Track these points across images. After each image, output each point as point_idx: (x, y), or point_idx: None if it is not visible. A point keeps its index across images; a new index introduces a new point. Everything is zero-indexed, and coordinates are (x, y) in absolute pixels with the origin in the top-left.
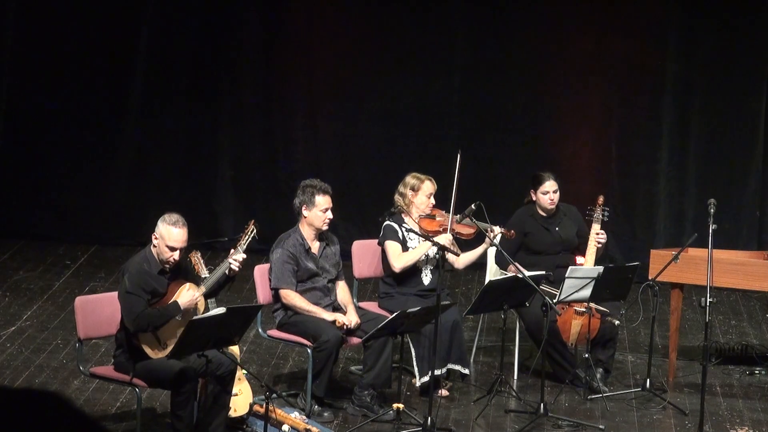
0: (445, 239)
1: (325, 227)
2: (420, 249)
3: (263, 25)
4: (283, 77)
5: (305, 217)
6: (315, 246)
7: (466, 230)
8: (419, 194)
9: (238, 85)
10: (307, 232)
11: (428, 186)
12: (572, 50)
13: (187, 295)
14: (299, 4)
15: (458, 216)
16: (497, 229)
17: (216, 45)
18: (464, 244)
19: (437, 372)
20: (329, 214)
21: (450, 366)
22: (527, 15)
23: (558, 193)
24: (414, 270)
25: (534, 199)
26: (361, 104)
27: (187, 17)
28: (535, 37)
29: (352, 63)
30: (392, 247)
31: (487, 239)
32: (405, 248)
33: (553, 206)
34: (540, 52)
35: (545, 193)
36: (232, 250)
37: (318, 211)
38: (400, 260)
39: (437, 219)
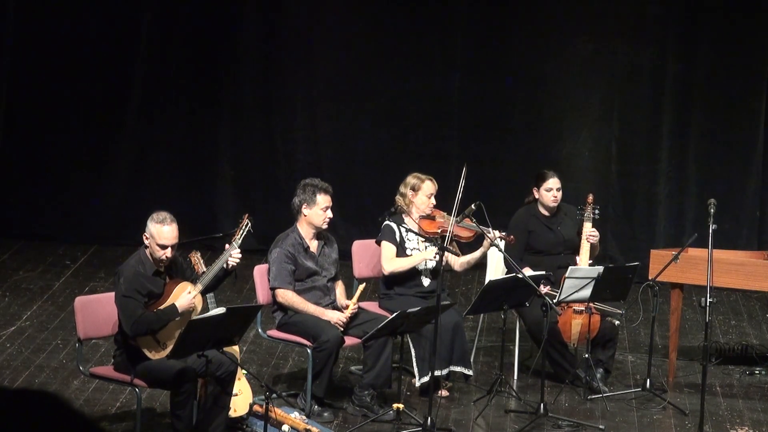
0: (430, 254)
1: (324, 226)
2: (414, 258)
3: (263, 24)
4: (283, 77)
5: (305, 216)
6: (313, 245)
7: (465, 233)
8: (419, 194)
9: (238, 85)
10: (305, 231)
11: (428, 186)
12: (572, 50)
13: (184, 297)
14: (299, 4)
15: (458, 216)
16: (496, 233)
17: (216, 45)
18: (464, 246)
19: (438, 373)
20: (329, 213)
21: (452, 368)
22: (527, 15)
23: (561, 191)
24: (413, 273)
25: (537, 196)
26: (361, 104)
27: (187, 17)
28: (535, 37)
29: (352, 63)
30: (386, 248)
31: (486, 242)
32: (402, 249)
33: (555, 204)
34: (540, 52)
35: (548, 190)
36: (227, 246)
37: (318, 210)
38: (391, 264)
39: (437, 220)
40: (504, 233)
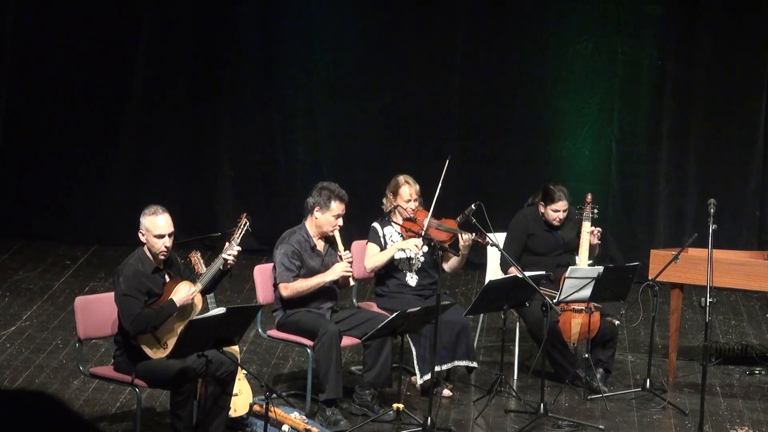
0: (411, 243)
1: (332, 233)
2: (389, 250)
3: (263, 24)
4: (283, 77)
5: (316, 218)
6: (320, 244)
7: (442, 236)
8: (398, 198)
9: (238, 85)
10: (313, 230)
11: (405, 190)
12: (572, 50)
13: (182, 291)
14: (300, 4)
15: (459, 217)
16: (468, 236)
17: (216, 45)
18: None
19: (438, 368)
20: (340, 221)
21: (456, 362)
22: (527, 15)
23: (567, 212)
24: (396, 273)
25: (542, 211)
26: (361, 104)
27: (187, 17)
28: (535, 37)
29: (352, 63)
30: (370, 248)
31: (460, 244)
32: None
33: (558, 224)
34: (540, 52)
35: (555, 211)
36: (227, 244)
37: (330, 216)
38: (370, 261)
39: (417, 222)
40: (477, 236)
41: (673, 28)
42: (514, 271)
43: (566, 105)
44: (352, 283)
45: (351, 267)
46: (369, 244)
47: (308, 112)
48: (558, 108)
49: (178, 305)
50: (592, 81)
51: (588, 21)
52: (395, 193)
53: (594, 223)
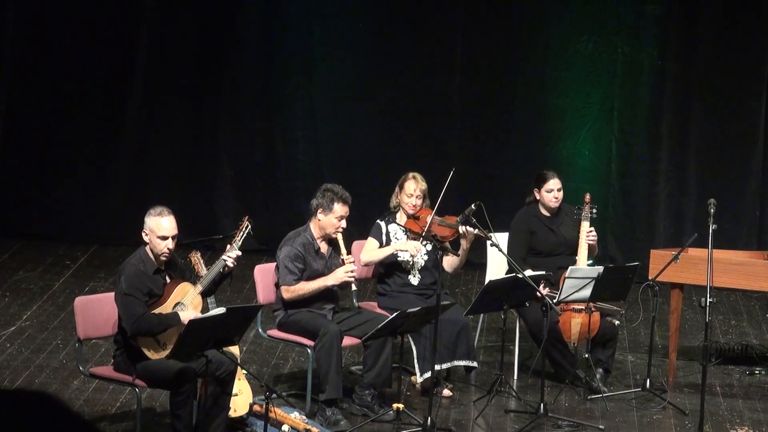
0: (411, 246)
1: (335, 235)
2: (385, 250)
3: (263, 24)
4: (283, 77)
5: (319, 220)
6: (324, 246)
7: (445, 232)
8: (402, 193)
9: (238, 85)
10: (317, 232)
11: (410, 185)
12: (572, 50)
13: (190, 313)
14: (300, 4)
15: (459, 217)
16: (471, 230)
17: (216, 44)
18: (451, 245)
19: (438, 367)
20: (343, 223)
21: (456, 362)
22: (527, 14)
23: (561, 191)
24: (401, 272)
25: (537, 198)
26: (361, 104)
27: (187, 17)
28: (535, 37)
29: (352, 63)
30: (369, 242)
31: (462, 241)
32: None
33: (557, 204)
34: (540, 52)
35: (549, 191)
36: (228, 247)
37: (333, 218)
38: (366, 255)
39: (421, 220)
40: (479, 230)
41: (673, 28)
42: (529, 272)
43: (566, 105)
44: (354, 288)
45: (353, 272)
46: (369, 238)
47: (308, 112)
48: (558, 108)
49: (181, 320)
50: (592, 81)
51: (588, 21)
52: (401, 187)
53: (593, 223)
